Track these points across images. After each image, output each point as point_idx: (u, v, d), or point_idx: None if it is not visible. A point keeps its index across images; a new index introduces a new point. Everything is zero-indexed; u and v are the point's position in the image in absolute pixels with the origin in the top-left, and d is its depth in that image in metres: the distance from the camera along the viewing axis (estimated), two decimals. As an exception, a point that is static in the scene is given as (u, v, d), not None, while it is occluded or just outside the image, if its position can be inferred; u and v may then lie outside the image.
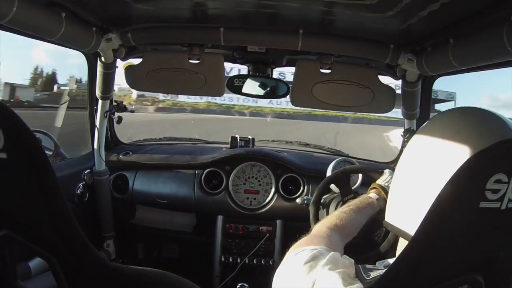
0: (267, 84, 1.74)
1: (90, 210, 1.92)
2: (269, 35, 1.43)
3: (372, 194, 1.21)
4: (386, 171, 1.30)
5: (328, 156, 2.19)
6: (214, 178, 1.96)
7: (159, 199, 1.95)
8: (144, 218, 2.07)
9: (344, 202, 1.41)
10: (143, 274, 0.69)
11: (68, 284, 0.63)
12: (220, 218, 1.94)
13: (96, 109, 1.86)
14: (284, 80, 1.79)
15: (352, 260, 0.65)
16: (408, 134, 0.97)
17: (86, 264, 0.62)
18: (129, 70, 1.71)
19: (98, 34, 1.43)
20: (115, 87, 1.89)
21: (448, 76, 1.56)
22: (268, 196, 1.94)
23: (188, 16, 1.36)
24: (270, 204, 1.92)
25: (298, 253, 0.69)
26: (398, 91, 1.68)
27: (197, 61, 1.62)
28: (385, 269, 0.58)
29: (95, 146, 1.90)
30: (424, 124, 0.73)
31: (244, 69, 1.83)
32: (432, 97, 1.76)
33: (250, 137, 2.17)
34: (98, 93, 1.78)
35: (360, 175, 1.79)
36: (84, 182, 1.85)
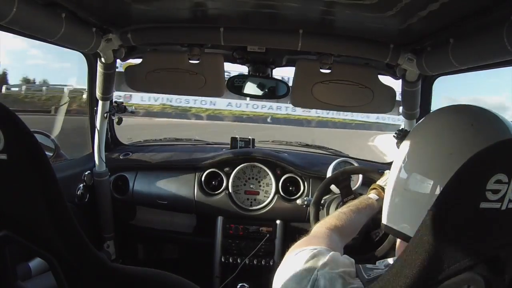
0: (267, 84, 1.74)
1: (90, 211, 1.92)
2: (269, 35, 1.43)
3: (372, 195, 1.21)
4: (387, 172, 1.30)
5: (328, 157, 2.19)
6: (214, 179, 1.96)
7: (159, 200, 1.95)
8: (144, 219, 2.07)
9: (344, 203, 1.41)
10: (143, 274, 0.69)
11: (68, 285, 0.63)
12: (220, 219, 1.94)
13: (96, 110, 1.86)
14: (284, 80, 1.79)
15: (353, 260, 0.65)
16: (402, 134, 0.98)
17: (86, 264, 0.62)
18: (129, 70, 1.71)
19: (98, 35, 1.43)
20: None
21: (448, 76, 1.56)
22: (268, 197, 1.94)
23: (188, 16, 1.36)
24: (271, 205, 1.92)
25: (298, 253, 0.69)
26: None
27: (197, 61, 1.62)
28: (386, 269, 0.58)
29: (95, 147, 1.90)
30: (418, 123, 0.73)
31: (244, 70, 1.83)
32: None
33: (250, 137, 2.17)
34: (98, 93, 1.78)
35: (361, 176, 1.79)
36: (84, 183, 1.84)
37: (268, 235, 1.91)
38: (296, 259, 0.68)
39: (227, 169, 1.94)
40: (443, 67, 1.28)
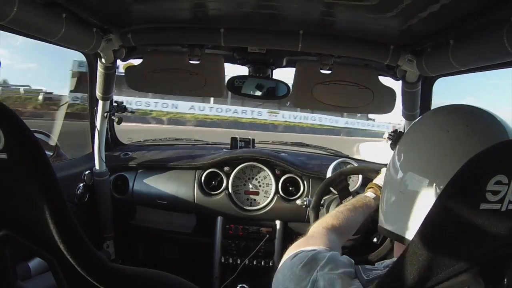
0: (267, 85, 1.74)
1: (90, 211, 1.92)
2: (269, 36, 1.43)
3: (368, 193, 1.22)
4: (383, 170, 1.30)
5: (328, 157, 2.19)
6: (214, 179, 1.96)
7: (159, 200, 1.95)
8: (144, 219, 2.07)
9: None
10: (143, 274, 0.69)
11: (68, 285, 0.63)
12: (220, 219, 1.94)
13: (96, 110, 1.86)
14: (284, 81, 1.80)
15: (352, 260, 0.65)
16: (396, 136, 0.98)
17: (86, 264, 0.61)
18: (129, 71, 1.71)
19: (98, 35, 1.43)
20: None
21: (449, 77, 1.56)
22: (268, 197, 1.94)
23: (188, 17, 1.36)
24: (270, 205, 1.92)
25: (297, 255, 0.69)
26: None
27: (197, 62, 1.62)
28: (385, 270, 0.58)
29: (95, 147, 1.90)
30: (412, 124, 0.73)
31: (244, 70, 1.83)
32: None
33: (250, 138, 2.17)
34: (98, 93, 1.78)
35: (360, 176, 1.79)
36: (84, 183, 1.85)
37: (267, 235, 1.92)
38: (295, 260, 0.68)
39: (227, 169, 1.94)
40: (443, 68, 1.28)
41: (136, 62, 1.72)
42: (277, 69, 1.82)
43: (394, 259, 0.60)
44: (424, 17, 1.04)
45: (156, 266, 0.78)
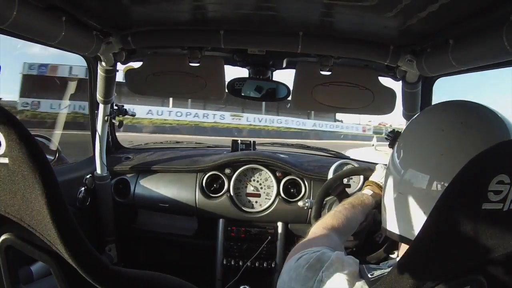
0: (267, 87, 1.74)
1: (91, 215, 1.92)
2: (269, 38, 1.43)
3: (366, 191, 1.22)
4: (378, 166, 1.30)
5: (329, 159, 2.19)
6: (216, 182, 1.96)
7: (160, 203, 1.95)
8: (145, 222, 2.07)
9: None
10: (145, 278, 0.69)
11: None
12: (221, 222, 1.94)
13: (97, 114, 1.87)
14: (284, 82, 1.80)
15: (357, 260, 0.65)
16: (393, 136, 0.98)
17: (88, 268, 0.61)
18: (129, 73, 1.71)
19: (98, 38, 1.43)
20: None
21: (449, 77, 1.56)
22: (269, 199, 1.94)
23: (188, 19, 1.36)
24: (272, 207, 1.92)
25: (302, 256, 0.69)
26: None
27: (197, 64, 1.62)
28: (389, 269, 0.58)
29: (97, 151, 1.90)
30: (409, 123, 0.73)
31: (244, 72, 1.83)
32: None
33: (251, 140, 2.17)
34: (98, 97, 1.78)
35: (362, 177, 1.79)
36: (85, 187, 1.85)
37: (269, 237, 1.91)
38: (300, 261, 0.68)
39: (228, 171, 1.94)
40: (443, 68, 1.28)
41: (136, 65, 1.72)
42: (277, 71, 1.82)
43: (398, 259, 0.60)
44: (423, 17, 1.04)
45: (159, 269, 0.78)
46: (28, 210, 0.58)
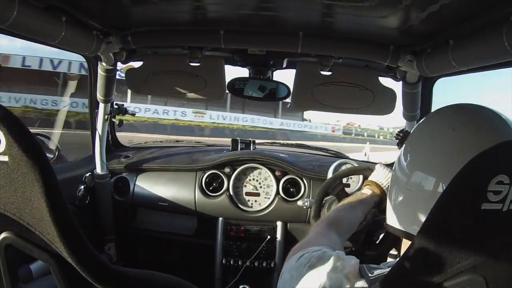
0: (267, 87, 1.74)
1: (91, 213, 1.92)
2: (269, 38, 1.43)
3: (365, 190, 1.22)
4: (377, 166, 1.31)
5: (328, 158, 2.19)
6: (215, 181, 1.96)
7: (160, 202, 1.95)
8: (145, 221, 2.07)
9: None
10: (145, 276, 0.69)
11: (69, 287, 0.63)
12: (221, 221, 1.94)
13: (97, 112, 1.87)
14: (284, 82, 1.80)
15: (357, 260, 0.66)
16: (403, 136, 0.98)
17: (87, 267, 0.61)
18: (130, 73, 1.71)
19: (98, 38, 1.43)
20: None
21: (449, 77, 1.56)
22: (269, 198, 1.94)
23: (188, 19, 1.36)
24: (271, 207, 1.92)
25: (303, 255, 0.69)
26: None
27: (198, 64, 1.62)
28: (389, 269, 0.58)
29: (96, 149, 1.91)
30: (418, 124, 0.73)
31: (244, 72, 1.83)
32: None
33: (250, 139, 2.17)
34: (99, 96, 1.78)
35: (361, 176, 1.79)
36: (85, 185, 1.85)
37: (269, 236, 1.91)
38: (301, 260, 0.68)
39: (227, 170, 1.95)
40: (443, 68, 1.28)
41: (137, 64, 1.73)
42: (278, 71, 1.82)
43: (398, 259, 0.61)
44: (423, 17, 1.04)
45: (158, 268, 0.78)
46: (28, 209, 0.58)
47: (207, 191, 1.95)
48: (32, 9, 1.02)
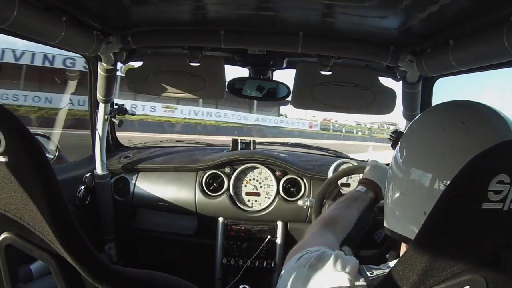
0: (267, 86, 1.74)
1: (91, 213, 1.92)
2: (269, 38, 1.43)
3: (359, 188, 1.23)
4: (369, 163, 1.31)
5: (328, 158, 2.19)
6: (215, 181, 1.96)
7: (160, 202, 1.95)
8: (145, 221, 2.07)
9: None
10: (145, 276, 0.69)
11: (70, 287, 0.63)
12: (221, 221, 1.94)
13: (97, 113, 1.87)
14: (284, 82, 1.80)
15: (357, 260, 0.66)
16: (396, 136, 0.99)
17: (87, 267, 0.62)
18: (130, 73, 1.71)
19: (98, 38, 1.43)
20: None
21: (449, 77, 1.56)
22: (269, 198, 1.94)
23: (188, 19, 1.36)
24: (272, 206, 1.92)
25: (303, 256, 0.69)
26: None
27: (198, 64, 1.62)
28: (389, 269, 0.58)
29: (96, 149, 1.90)
30: (411, 123, 0.73)
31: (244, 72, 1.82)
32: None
33: (251, 139, 2.17)
34: (99, 96, 1.78)
35: (361, 176, 1.79)
36: (85, 185, 1.85)
37: (269, 236, 1.92)
38: (301, 261, 0.68)
39: (228, 170, 1.95)
40: (443, 68, 1.28)
41: (137, 64, 1.73)
42: (277, 71, 1.82)
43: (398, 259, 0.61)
44: (423, 17, 1.04)
45: (158, 267, 0.78)
46: (28, 209, 0.58)
47: (207, 191, 1.95)
48: (32, 9, 1.02)
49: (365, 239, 1.42)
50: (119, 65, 1.74)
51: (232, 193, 1.93)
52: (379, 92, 1.62)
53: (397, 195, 0.68)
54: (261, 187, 1.96)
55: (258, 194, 1.96)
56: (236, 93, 1.75)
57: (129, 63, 1.74)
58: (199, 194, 1.93)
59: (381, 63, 1.50)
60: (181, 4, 1.22)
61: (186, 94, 1.75)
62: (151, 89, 1.75)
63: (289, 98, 1.73)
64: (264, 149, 2.19)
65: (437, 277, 0.47)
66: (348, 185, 1.86)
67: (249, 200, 1.96)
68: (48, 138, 1.94)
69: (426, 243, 0.48)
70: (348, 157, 2.13)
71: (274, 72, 1.81)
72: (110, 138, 2.08)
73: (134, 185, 1.98)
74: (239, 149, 2.11)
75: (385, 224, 0.74)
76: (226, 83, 1.72)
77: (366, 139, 25.97)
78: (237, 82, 1.74)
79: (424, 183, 0.62)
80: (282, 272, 0.72)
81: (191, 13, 1.30)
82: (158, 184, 1.97)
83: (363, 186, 1.23)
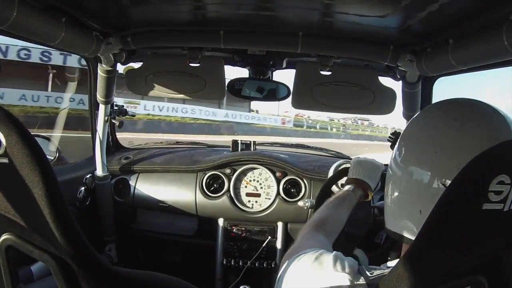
0: (267, 87, 1.74)
1: (91, 214, 1.92)
2: (269, 38, 1.43)
3: (347, 186, 1.22)
4: (352, 162, 1.31)
5: (329, 158, 2.19)
6: (216, 182, 1.96)
7: (160, 203, 1.95)
8: (145, 222, 2.07)
9: None
10: (145, 278, 0.69)
11: None
12: (221, 221, 1.94)
13: (97, 114, 1.87)
14: (284, 82, 1.80)
15: (356, 260, 0.66)
16: (395, 137, 0.99)
17: (87, 268, 0.62)
18: (129, 74, 1.72)
19: (98, 39, 1.43)
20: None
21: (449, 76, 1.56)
22: (269, 199, 1.93)
23: (188, 19, 1.36)
24: (272, 207, 1.92)
25: (301, 257, 0.69)
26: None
27: (198, 64, 1.62)
28: (388, 269, 0.58)
29: (97, 151, 1.90)
30: (408, 122, 0.73)
31: (244, 72, 1.82)
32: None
33: (251, 140, 2.17)
34: (99, 97, 1.78)
35: None
36: (85, 187, 1.85)
37: (269, 237, 1.91)
38: (300, 262, 0.68)
39: (228, 171, 1.95)
40: (443, 68, 1.28)
41: (137, 65, 1.73)
42: (277, 71, 1.82)
43: (396, 260, 0.61)
44: (423, 16, 1.04)
45: (159, 269, 0.78)
46: (28, 210, 0.58)
47: (207, 192, 1.94)
48: (32, 10, 1.02)
49: (367, 241, 1.42)
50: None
51: (232, 194, 1.93)
52: (379, 92, 1.62)
53: (395, 194, 0.69)
54: (261, 188, 1.96)
55: (258, 195, 1.96)
56: (236, 94, 1.75)
57: (128, 64, 1.74)
58: (199, 195, 1.93)
59: (381, 62, 1.50)
60: (181, 4, 1.22)
61: (186, 95, 1.75)
62: (150, 90, 1.75)
63: (289, 99, 1.74)
64: (264, 150, 2.19)
65: (438, 278, 0.47)
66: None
67: (249, 201, 1.95)
68: (48, 139, 1.94)
69: (427, 244, 0.48)
70: (348, 158, 2.13)
71: (274, 72, 1.82)
72: (110, 139, 2.08)
73: (134, 186, 1.98)
74: (239, 150, 2.11)
75: (386, 225, 0.74)
76: (226, 84, 1.72)
77: (341, 135, 25.33)
78: (237, 83, 1.74)
79: (419, 181, 0.62)
80: (278, 276, 0.72)
81: (191, 13, 1.30)
82: (159, 185, 1.97)
83: (352, 184, 1.23)
